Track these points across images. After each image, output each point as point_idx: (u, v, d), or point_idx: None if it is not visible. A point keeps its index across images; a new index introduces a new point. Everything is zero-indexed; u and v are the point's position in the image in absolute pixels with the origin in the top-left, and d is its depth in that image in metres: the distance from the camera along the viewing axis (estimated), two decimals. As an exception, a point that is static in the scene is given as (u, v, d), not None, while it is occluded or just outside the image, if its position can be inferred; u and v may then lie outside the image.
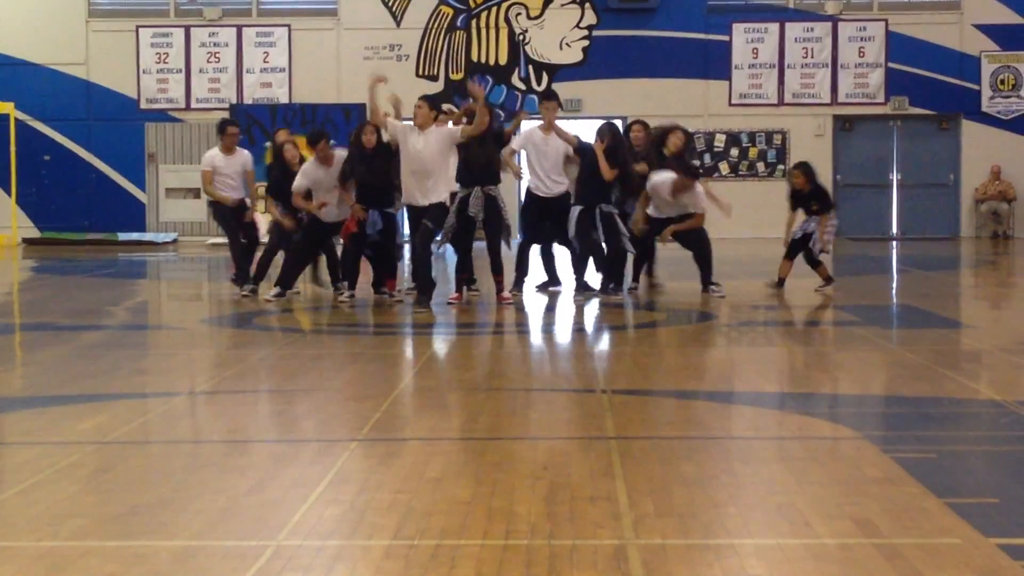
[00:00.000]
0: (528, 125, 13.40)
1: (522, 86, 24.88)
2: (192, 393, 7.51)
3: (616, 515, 4.57)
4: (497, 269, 12.00)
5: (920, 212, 25.05)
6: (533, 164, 12.53)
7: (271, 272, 13.20)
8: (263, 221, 15.15)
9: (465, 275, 12.44)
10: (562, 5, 24.81)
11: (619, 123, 14.48)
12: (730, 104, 24.88)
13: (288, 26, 25.15)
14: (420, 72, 24.72)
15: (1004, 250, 21.60)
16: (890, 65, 24.80)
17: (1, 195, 24.50)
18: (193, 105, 25.17)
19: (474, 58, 24.91)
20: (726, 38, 24.84)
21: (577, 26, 24.84)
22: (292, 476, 5.21)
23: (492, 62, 24.92)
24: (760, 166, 24.72)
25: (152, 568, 4.03)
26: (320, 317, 11.82)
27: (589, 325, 11.10)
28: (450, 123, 12.24)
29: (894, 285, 15.67)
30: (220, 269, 17.66)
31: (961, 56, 24.72)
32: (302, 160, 12.61)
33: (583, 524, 4.46)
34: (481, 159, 11.75)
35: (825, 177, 24.63)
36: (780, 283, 13.10)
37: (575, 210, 12.33)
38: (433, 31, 24.95)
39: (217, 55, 25.19)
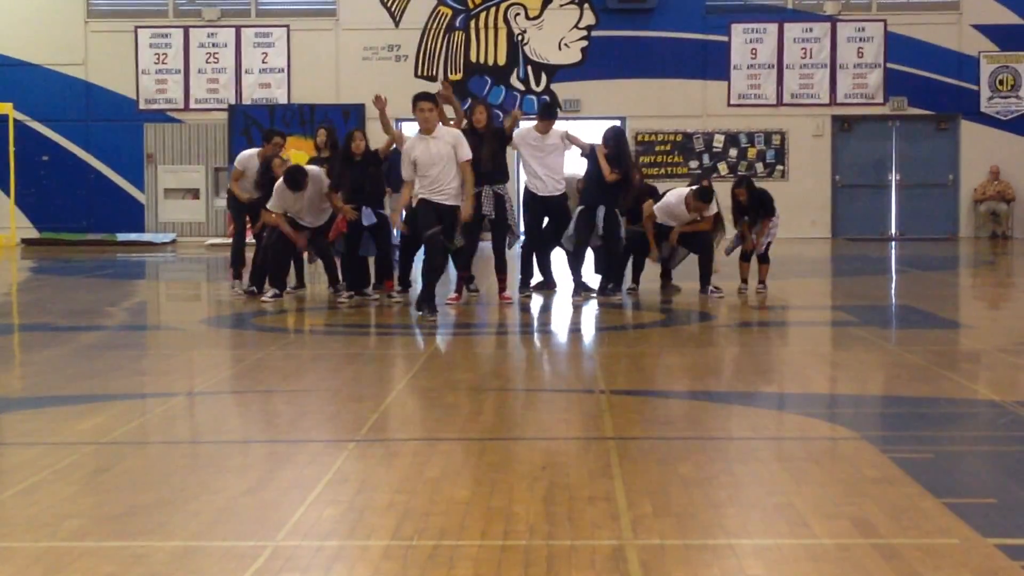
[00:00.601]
0: (525, 125, 13.41)
1: (521, 86, 24.89)
2: (191, 394, 7.50)
3: (614, 515, 4.57)
4: (501, 267, 12.06)
5: (919, 212, 25.04)
6: (530, 163, 12.54)
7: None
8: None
9: (465, 274, 12.45)
10: (561, 5, 24.83)
11: (619, 123, 14.49)
12: (729, 104, 24.89)
13: (287, 26, 25.16)
14: (419, 72, 24.74)
15: (1003, 250, 21.59)
16: (889, 65, 24.80)
17: (0, 195, 24.51)
18: (192, 106, 25.18)
19: (473, 58, 24.92)
20: (725, 38, 24.85)
21: (576, 26, 24.85)
22: (290, 476, 5.21)
23: (491, 62, 24.93)
24: (759, 167, 24.71)
25: (150, 568, 4.02)
26: (319, 317, 11.81)
27: (588, 325, 11.10)
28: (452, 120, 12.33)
29: (893, 285, 15.66)
30: (220, 269, 17.66)
31: (960, 56, 24.73)
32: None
33: (581, 524, 4.46)
34: (487, 158, 11.80)
35: (824, 177, 24.83)
36: (744, 284, 13.02)
37: (577, 209, 12.45)
38: (432, 31, 24.96)
39: (216, 56, 25.19)
